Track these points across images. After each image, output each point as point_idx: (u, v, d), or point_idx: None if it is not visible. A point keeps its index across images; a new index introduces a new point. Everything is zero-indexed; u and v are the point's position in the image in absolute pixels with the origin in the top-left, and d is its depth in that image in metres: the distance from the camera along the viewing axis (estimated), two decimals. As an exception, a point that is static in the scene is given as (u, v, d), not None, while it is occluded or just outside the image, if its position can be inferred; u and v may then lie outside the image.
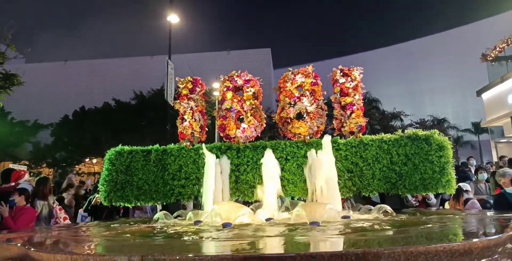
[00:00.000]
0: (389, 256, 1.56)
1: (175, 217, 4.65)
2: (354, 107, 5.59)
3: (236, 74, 5.68)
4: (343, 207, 5.32)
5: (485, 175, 7.66)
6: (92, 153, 29.25)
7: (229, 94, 5.61)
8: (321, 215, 2.96)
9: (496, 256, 1.66)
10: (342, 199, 5.83)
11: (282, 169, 5.46)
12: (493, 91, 13.95)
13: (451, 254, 1.59)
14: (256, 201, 5.16)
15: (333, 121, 5.90)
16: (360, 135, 5.58)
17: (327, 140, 4.69)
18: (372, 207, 4.41)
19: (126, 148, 5.72)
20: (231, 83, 5.66)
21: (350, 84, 5.59)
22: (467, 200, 6.22)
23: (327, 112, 5.70)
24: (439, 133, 5.41)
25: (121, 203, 5.53)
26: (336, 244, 2.18)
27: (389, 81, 41.36)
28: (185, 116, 5.71)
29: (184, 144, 5.67)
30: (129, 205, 5.61)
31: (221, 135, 5.82)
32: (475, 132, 35.17)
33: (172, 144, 5.82)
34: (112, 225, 4.22)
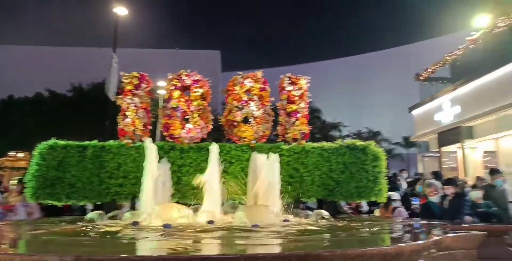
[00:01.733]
0: (329, 258, 1.63)
1: (110, 218, 4.43)
2: (299, 115, 5.75)
3: (185, 73, 5.58)
4: (285, 211, 5.45)
5: (421, 187, 8.07)
6: (18, 146, 26.86)
7: (176, 93, 5.49)
8: (262, 218, 3.00)
9: (422, 260, 1.81)
10: (285, 203, 5.95)
11: (225, 172, 5.46)
12: (422, 109, 15.19)
13: (384, 256, 1.71)
14: (197, 203, 5.09)
15: (278, 127, 6.03)
16: (303, 141, 5.75)
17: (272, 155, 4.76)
18: (310, 212, 4.55)
19: (60, 142, 5.35)
20: (179, 82, 5.54)
21: (297, 92, 5.74)
22: (395, 208, 6.71)
23: (273, 118, 5.81)
24: (375, 144, 5.76)
25: (50, 201, 5.15)
26: (277, 246, 2.22)
27: (333, 93, 43.27)
28: (128, 113, 5.47)
29: (125, 141, 5.43)
30: (58, 204, 5.24)
31: (165, 134, 5.67)
32: (405, 145, 37.86)
33: (112, 141, 5.55)
34: (39, 225, 3.90)
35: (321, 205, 5.94)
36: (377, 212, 7.21)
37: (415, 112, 15.82)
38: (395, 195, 7.03)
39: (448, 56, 12.89)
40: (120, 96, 5.58)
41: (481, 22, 12.01)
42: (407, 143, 35.49)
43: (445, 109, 13.40)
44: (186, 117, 5.61)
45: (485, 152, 13.37)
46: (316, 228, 2.93)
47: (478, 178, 8.88)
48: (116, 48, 12.91)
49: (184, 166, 5.43)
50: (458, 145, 13.20)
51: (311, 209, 5.56)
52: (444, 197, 5.94)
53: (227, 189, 5.36)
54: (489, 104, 11.09)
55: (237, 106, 5.65)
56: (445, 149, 14.32)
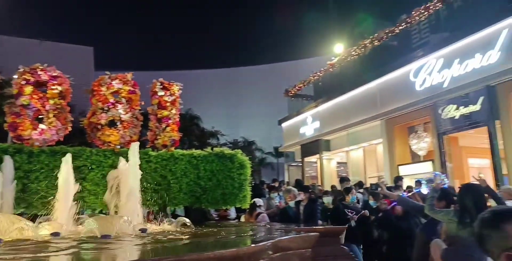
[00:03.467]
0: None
1: None
2: (170, 121, 5.68)
3: (40, 67, 4.97)
4: (150, 220, 5.24)
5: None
6: None
7: (28, 89, 4.84)
8: (114, 228, 2.83)
9: (261, 261, 1.96)
10: (151, 211, 5.73)
11: (83, 179, 5.01)
12: (290, 122, 16.63)
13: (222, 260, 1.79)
14: (47, 214, 4.52)
15: (148, 133, 5.83)
16: (173, 148, 5.68)
17: (134, 149, 4.56)
18: (173, 220, 4.50)
19: None
20: (32, 76, 4.91)
21: (169, 98, 5.67)
22: (259, 214, 7.10)
23: (142, 123, 5.60)
24: (242, 153, 6.04)
25: None
26: (124, 254, 2.12)
27: (213, 102, 43.98)
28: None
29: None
30: None
31: (11, 134, 4.94)
32: (275, 155, 40.62)
33: None
34: None
35: (189, 212, 5.94)
36: (243, 218, 7.52)
37: (284, 125, 17.21)
38: (260, 201, 7.45)
39: (312, 76, 14.47)
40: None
41: (339, 49, 13.88)
42: (277, 152, 38.17)
43: (308, 123, 14.92)
44: (39, 116, 4.99)
45: (338, 163, 15.29)
46: (171, 236, 2.90)
47: (342, 182, 9.90)
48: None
49: (33, 171, 4.80)
50: (317, 156, 14.78)
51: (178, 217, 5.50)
52: (299, 202, 6.54)
53: (83, 197, 4.93)
54: (342, 121, 12.77)
55: (102, 108, 5.28)
56: (307, 159, 15.86)
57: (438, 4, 8.83)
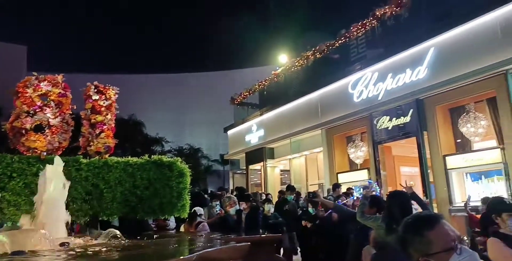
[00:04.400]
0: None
1: None
2: (105, 126, 5.40)
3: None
4: (76, 232, 4.90)
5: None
6: None
7: None
8: (29, 243, 2.58)
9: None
10: (78, 224, 5.36)
11: (3, 188, 4.58)
12: (235, 129, 16.66)
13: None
14: None
15: (80, 139, 5.49)
16: (106, 156, 5.40)
17: (58, 158, 4.24)
18: (103, 232, 4.23)
19: None
20: None
21: (104, 103, 5.40)
22: (200, 223, 6.95)
23: (73, 128, 5.26)
24: (182, 161, 5.89)
25: None
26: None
27: (159, 107, 42.83)
28: None
29: None
30: None
31: None
32: (222, 163, 40.40)
33: None
34: None
35: (124, 223, 5.65)
36: (182, 228, 7.31)
37: (230, 132, 17.19)
38: (201, 210, 7.30)
39: (258, 85, 14.66)
40: None
41: (283, 60, 14.23)
42: (224, 160, 38.03)
43: (253, 131, 15.04)
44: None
45: (282, 170, 15.55)
46: (93, 251, 2.71)
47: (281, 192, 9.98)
48: None
49: None
50: (261, 163, 14.91)
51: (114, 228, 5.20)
52: (240, 210, 6.50)
53: (2, 209, 4.50)
54: (286, 130, 13.04)
55: (27, 112, 4.89)
56: (252, 166, 15.94)
57: (373, 21, 9.41)
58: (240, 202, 6.55)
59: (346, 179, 10.82)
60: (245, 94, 15.41)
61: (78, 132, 5.45)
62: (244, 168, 16.50)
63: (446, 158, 8.42)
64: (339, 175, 11.29)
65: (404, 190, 4.39)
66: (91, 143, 5.35)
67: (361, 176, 10.56)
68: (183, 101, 43.67)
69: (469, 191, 8.07)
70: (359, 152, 10.97)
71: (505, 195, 7.38)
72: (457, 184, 8.41)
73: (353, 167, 11.31)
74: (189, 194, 5.98)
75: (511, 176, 7.28)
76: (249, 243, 2.50)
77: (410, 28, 8.74)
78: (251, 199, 6.97)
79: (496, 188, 7.88)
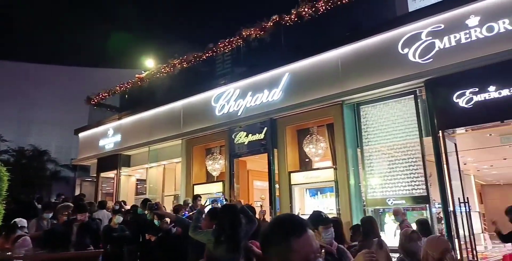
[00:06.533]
0: None
1: None
2: None
3: None
4: None
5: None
6: None
7: None
8: None
9: None
10: None
11: None
12: (89, 132, 15.16)
13: None
14: None
15: None
16: None
17: None
18: None
19: None
20: None
21: None
22: (20, 237, 5.92)
23: None
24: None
25: None
26: None
27: (-1, 101, 36.11)
28: None
29: None
30: None
31: None
32: (72, 168, 36.28)
33: None
34: None
35: None
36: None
37: (81, 135, 15.57)
38: (23, 222, 6.26)
39: (119, 87, 13.72)
40: None
41: (150, 65, 13.72)
42: (74, 166, 34.26)
43: (109, 136, 13.92)
44: None
45: (138, 180, 14.73)
46: None
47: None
48: None
49: None
50: (115, 171, 13.85)
51: None
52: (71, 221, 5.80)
53: None
54: (145, 137, 12.46)
55: None
56: (104, 174, 14.67)
57: (239, 40, 9.87)
58: (78, 214, 5.85)
59: (202, 191, 10.84)
60: (104, 95, 14.22)
61: None
62: (94, 175, 15.10)
63: (291, 174, 9.20)
64: (195, 186, 11.26)
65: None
66: None
67: (216, 188, 10.74)
68: (29, 97, 37.73)
69: (308, 205, 8.97)
70: (217, 165, 11.17)
71: (334, 209, 8.45)
72: (298, 198, 9.25)
73: (209, 179, 11.43)
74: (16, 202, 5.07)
75: (340, 193, 8.31)
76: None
77: (271, 52, 9.45)
78: (88, 208, 6.30)
79: (329, 203, 8.95)
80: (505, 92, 6.43)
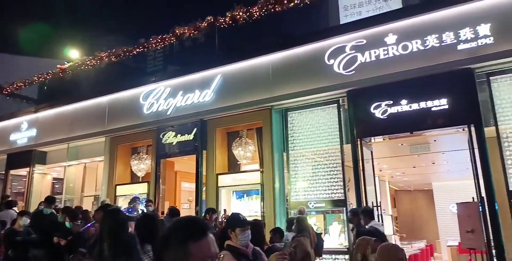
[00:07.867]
0: None
1: None
2: None
3: None
4: None
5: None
6: None
7: None
8: None
9: None
10: None
11: None
12: (-1, 125, 13.71)
13: None
14: None
15: None
16: None
17: None
18: None
19: None
20: None
21: None
22: None
23: None
24: None
25: None
26: None
27: None
28: None
29: None
30: None
31: None
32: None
33: None
34: None
35: None
36: None
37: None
38: None
39: (38, 77, 12.59)
40: None
41: (74, 56, 12.79)
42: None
43: (22, 130, 12.70)
44: None
45: (54, 179, 13.63)
46: None
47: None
48: None
49: None
50: (28, 169, 12.67)
51: None
52: None
53: None
54: (65, 133, 11.57)
55: None
56: (14, 171, 13.34)
57: (172, 38, 9.64)
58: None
59: (125, 192, 10.35)
60: (19, 84, 12.94)
61: None
62: (3, 172, 13.65)
63: (219, 176, 9.18)
64: (118, 186, 10.72)
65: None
66: None
67: (141, 189, 10.32)
68: None
69: (234, 207, 9.00)
70: (142, 165, 10.76)
71: (259, 212, 8.59)
72: (225, 200, 9.25)
73: (134, 179, 10.97)
74: None
75: (265, 195, 8.47)
76: None
77: (204, 53, 9.36)
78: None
79: (254, 205, 9.09)
80: (414, 106, 7.08)
